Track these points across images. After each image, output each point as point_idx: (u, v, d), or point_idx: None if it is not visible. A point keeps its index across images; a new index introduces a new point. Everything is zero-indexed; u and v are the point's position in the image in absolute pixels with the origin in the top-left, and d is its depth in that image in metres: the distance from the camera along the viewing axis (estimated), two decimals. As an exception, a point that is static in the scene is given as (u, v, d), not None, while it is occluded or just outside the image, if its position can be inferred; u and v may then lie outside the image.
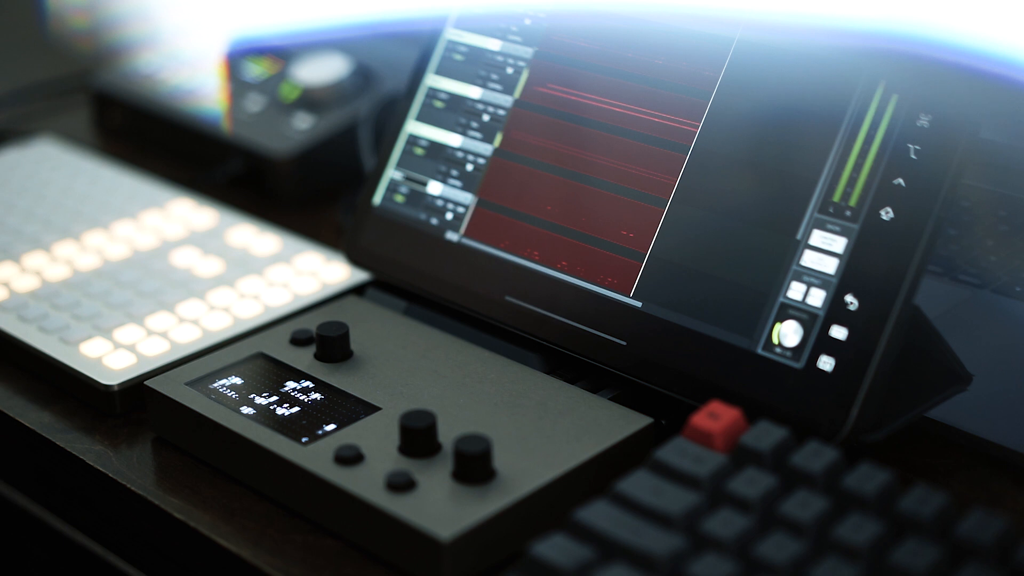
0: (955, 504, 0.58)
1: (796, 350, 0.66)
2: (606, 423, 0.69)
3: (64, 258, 0.90)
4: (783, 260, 0.68)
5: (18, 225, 0.94)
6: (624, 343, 0.72)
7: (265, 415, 0.70)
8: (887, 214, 0.66)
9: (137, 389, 0.76)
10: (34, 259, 0.89)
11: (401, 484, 0.64)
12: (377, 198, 0.83)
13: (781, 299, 0.68)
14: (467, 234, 0.79)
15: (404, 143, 0.83)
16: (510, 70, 0.80)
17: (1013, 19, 0.65)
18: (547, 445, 0.67)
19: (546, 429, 0.69)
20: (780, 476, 0.60)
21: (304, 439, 0.68)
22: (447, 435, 0.68)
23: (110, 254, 0.90)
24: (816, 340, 0.66)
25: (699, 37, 0.73)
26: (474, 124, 0.80)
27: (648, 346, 0.71)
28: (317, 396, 0.72)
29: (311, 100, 1.03)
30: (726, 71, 0.72)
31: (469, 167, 0.80)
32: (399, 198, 0.82)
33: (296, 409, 0.71)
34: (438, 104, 0.82)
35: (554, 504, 0.65)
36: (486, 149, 0.80)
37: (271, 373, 0.74)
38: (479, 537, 0.63)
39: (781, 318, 0.67)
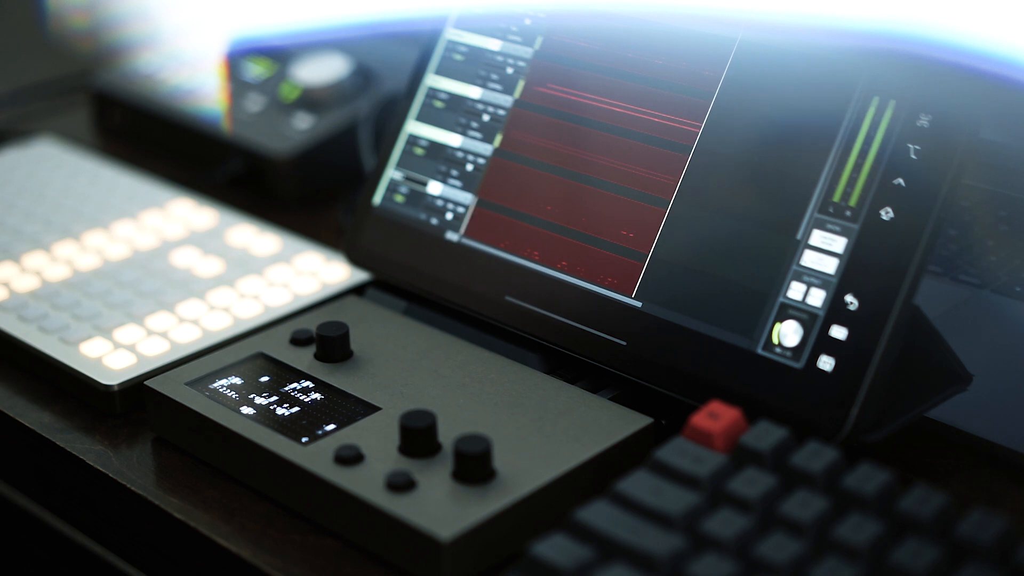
0: (955, 504, 0.58)
1: (796, 350, 0.66)
2: (606, 423, 0.69)
3: (64, 258, 0.90)
4: (783, 260, 0.68)
5: (18, 225, 0.94)
6: (624, 343, 0.72)
7: (265, 415, 0.70)
8: (887, 214, 0.66)
9: (137, 389, 0.76)
10: (34, 259, 0.89)
11: (401, 484, 0.64)
12: (377, 198, 0.83)
13: (781, 299, 0.68)
14: (467, 234, 0.79)
15: (404, 143, 0.83)
16: (510, 70, 0.80)
17: (1013, 19, 0.65)
18: (547, 445, 0.67)
19: (546, 429, 0.69)
20: (780, 476, 0.60)
21: (304, 439, 0.68)
22: (447, 435, 0.68)
23: (110, 254, 0.90)
24: (816, 340, 0.66)
25: (701, 37, 0.73)
26: (474, 124, 0.80)
27: (648, 346, 0.71)
28: (317, 396, 0.72)
29: (311, 100, 1.03)
30: (728, 71, 0.72)
31: (469, 167, 0.80)
32: (399, 198, 0.82)
33: (296, 409, 0.71)
34: (438, 104, 0.82)
35: (554, 504, 0.65)
36: (486, 149, 0.80)
37: (271, 373, 0.74)
38: (479, 537, 0.63)
39: (781, 318, 0.67)
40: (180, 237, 0.92)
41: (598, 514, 0.59)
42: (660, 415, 0.71)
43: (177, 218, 0.94)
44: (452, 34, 0.83)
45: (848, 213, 0.67)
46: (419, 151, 0.82)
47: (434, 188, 0.81)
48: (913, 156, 0.66)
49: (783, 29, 0.71)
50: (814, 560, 0.56)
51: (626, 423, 0.69)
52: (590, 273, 0.74)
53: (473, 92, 0.81)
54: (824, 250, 0.67)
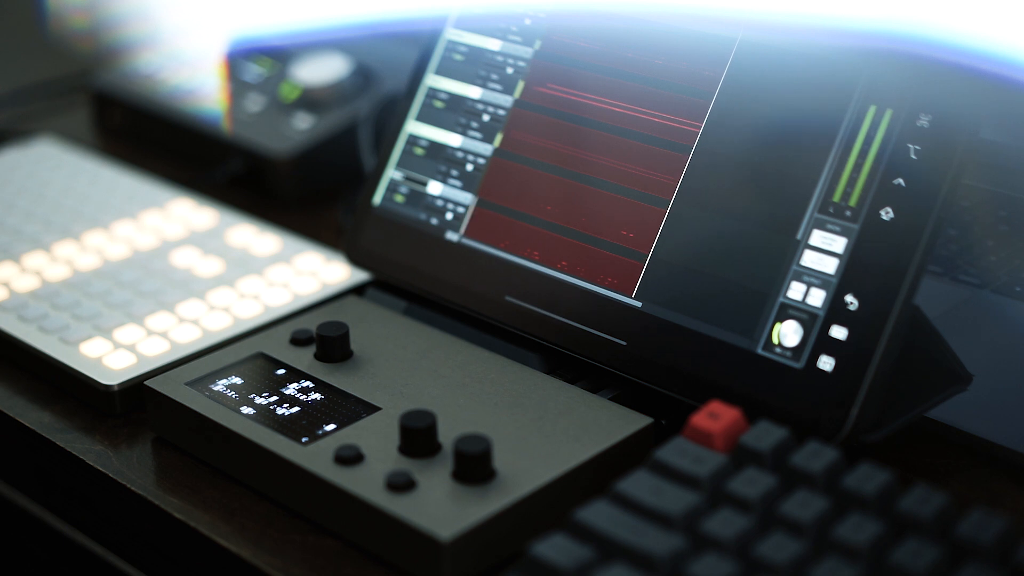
0: (955, 504, 0.58)
1: (796, 350, 0.66)
2: (606, 423, 0.69)
3: (64, 258, 0.90)
4: (783, 260, 0.68)
5: (18, 225, 0.94)
6: (624, 343, 0.72)
7: (265, 415, 0.70)
8: (887, 214, 0.66)
9: (137, 389, 0.76)
10: (34, 259, 0.89)
11: (401, 484, 0.64)
12: (377, 198, 0.83)
13: (781, 299, 0.68)
14: (467, 234, 0.79)
15: (404, 143, 0.83)
16: (510, 70, 0.80)
17: (1013, 19, 0.65)
18: (547, 445, 0.67)
19: (546, 429, 0.69)
20: (780, 476, 0.60)
21: (304, 439, 0.68)
22: (447, 435, 0.68)
23: (110, 254, 0.90)
24: (816, 340, 0.66)
25: (701, 37, 0.73)
26: (474, 124, 0.80)
27: (648, 346, 0.71)
28: (317, 396, 0.72)
29: (311, 100, 1.03)
30: (728, 71, 0.72)
31: (469, 167, 0.80)
32: (399, 198, 0.82)
33: (296, 409, 0.71)
34: (438, 104, 0.82)
35: (554, 504, 0.65)
36: (486, 149, 0.80)
37: (271, 373, 0.74)
38: (479, 537, 0.63)
39: (781, 318, 0.67)
40: (180, 237, 0.92)
41: (598, 514, 0.59)
42: (660, 415, 0.71)
43: (177, 218, 0.94)
44: (452, 34, 0.83)
45: (848, 213, 0.67)
46: (419, 151, 0.82)
47: (434, 188, 0.81)
48: (913, 156, 0.66)
49: (783, 29, 0.71)
50: (814, 560, 0.56)
51: (626, 423, 0.69)
52: (590, 273, 0.74)
53: (473, 92, 0.81)
54: (824, 250, 0.67)
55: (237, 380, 0.73)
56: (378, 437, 0.68)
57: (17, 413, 0.78)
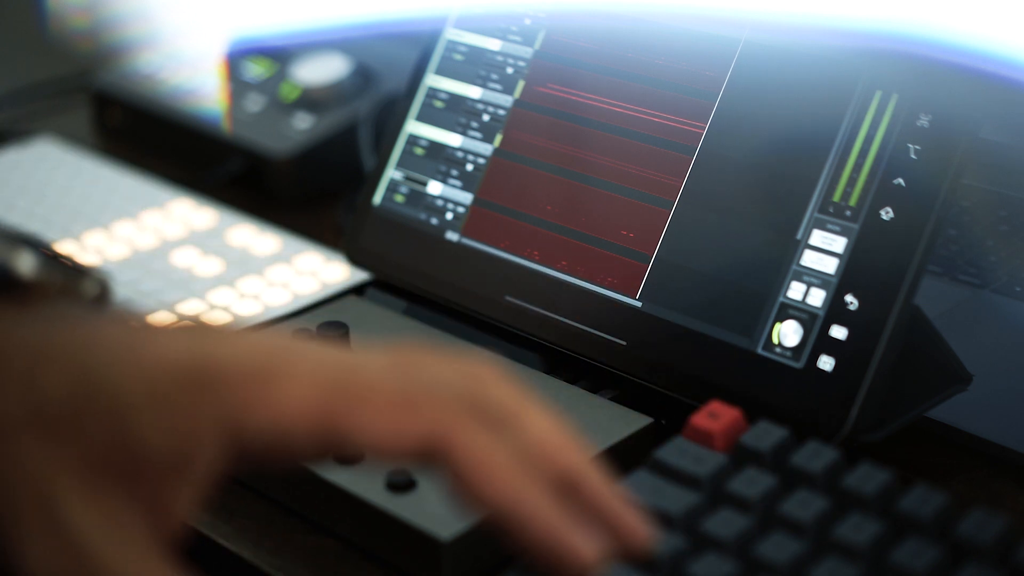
0: (955, 504, 0.58)
1: (796, 350, 0.66)
2: (606, 423, 0.69)
3: (64, 258, 0.89)
4: (783, 260, 0.68)
5: (18, 225, 0.94)
6: (624, 343, 0.72)
7: (265, 415, 0.70)
8: (887, 214, 0.66)
9: (137, 389, 0.76)
10: (34, 259, 0.89)
11: (401, 484, 0.64)
12: (377, 198, 0.83)
13: (781, 299, 0.68)
14: (467, 234, 0.79)
15: (404, 143, 0.83)
16: (510, 70, 0.80)
17: (1013, 19, 0.65)
18: (547, 445, 0.67)
19: (546, 429, 0.68)
20: (780, 476, 0.60)
21: (304, 439, 0.68)
22: (447, 435, 0.67)
23: (110, 254, 0.90)
24: (816, 340, 0.66)
25: (705, 38, 0.73)
26: (474, 124, 0.80)
27: (648, 346, 0.71)
28: (317, 396, 0.72)
29: (311, 100, 1.03)
30: (732, 72, 0.72)
31: (469, 167, 0.80)
32: (399, 198, 0.82)
33: (296, 409, 0.71)
34: (438, 104, 0.82)
35: (554, 504, 0.65)
36: (486, 149, 0.80)
37: (271, 373, 0.74)
38: (479, 537, 0.63)
39: (781, 318, 0.67)
40: (180, 237, 0.92)
41: (598, 514, 0.58)
42: (660, 415, 0.71)
43: (177, 218, 0.94)
44: (452, 34, 0.83)
45: (848, 213, 0.67)
46: (419, 151, 0.82)
47: (434, 188, 0.81)
48: (913, 156, 0.66)
49: (786, 29, 0.71)
50: (814, 560, 0.56)
51: (626, 423, 0.69)
52: (590, 273, 0.74)
53: (473, 92, 0.81)
54: (824, 250, 0.67)
55: (237, 380, 0.73)
56: (378, 437, 0.68)
57: (17, 413, 0.77)
